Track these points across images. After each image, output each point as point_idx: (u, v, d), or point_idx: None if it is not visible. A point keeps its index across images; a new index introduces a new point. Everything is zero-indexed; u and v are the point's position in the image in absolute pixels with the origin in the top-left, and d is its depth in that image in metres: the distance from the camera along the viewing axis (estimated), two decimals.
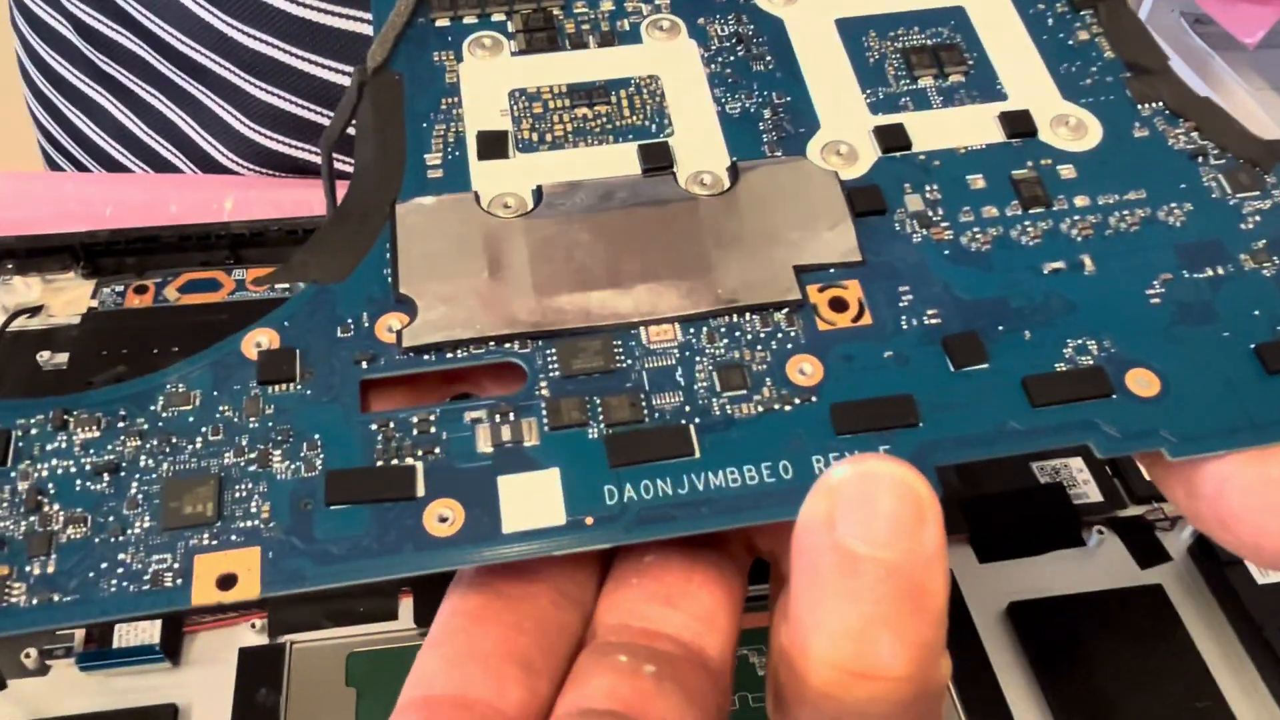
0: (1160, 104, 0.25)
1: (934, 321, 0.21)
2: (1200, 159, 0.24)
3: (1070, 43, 0.26)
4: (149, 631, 0.33)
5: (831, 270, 0.22)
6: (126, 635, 0.33)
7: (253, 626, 0.34)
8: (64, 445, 0.20)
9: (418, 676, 0.18)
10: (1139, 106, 0.25)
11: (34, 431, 0.20)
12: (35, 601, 0.18)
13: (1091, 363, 0.21)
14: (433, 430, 0.20)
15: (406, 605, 0.35)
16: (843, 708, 0.17)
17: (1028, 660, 0.34)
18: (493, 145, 0.24)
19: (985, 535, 0.37)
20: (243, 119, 0.50)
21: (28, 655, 0.33)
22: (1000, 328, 0.21)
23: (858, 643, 0.16)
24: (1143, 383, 0.21)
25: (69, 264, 0.41)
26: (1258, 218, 0.23)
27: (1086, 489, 0.38)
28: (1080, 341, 0.21)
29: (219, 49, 0.48)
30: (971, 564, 0.36)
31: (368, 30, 0.25)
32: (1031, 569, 0.36)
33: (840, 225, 0.23)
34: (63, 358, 0.39)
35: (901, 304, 0.22)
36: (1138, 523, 0.37)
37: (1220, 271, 0.22)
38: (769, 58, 0.26)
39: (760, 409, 0.20)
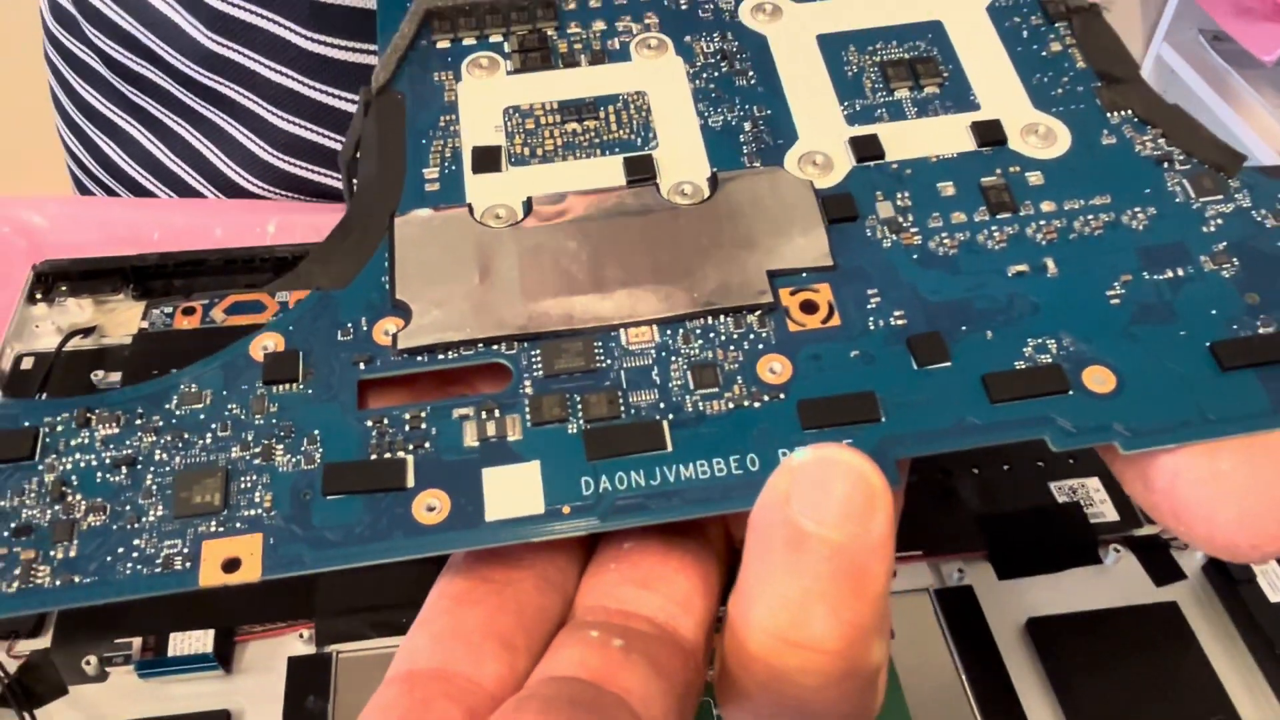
0: (1129, 112, 0.25)
1: (900, 322, 0.22)
2: (1166, 164, 0.24)
3: (1043, 54, 0.27)
4: (203, 641, 0.34)
5: (804, 274, 0.23)
6: (182, 644, 0.34)
7: (301, 636, 0.35)
8: (86, 441, 0.22)
9: (404, 652, 0.19)
10: (1108, 115, 0.25)
11: (59, 428, 0.22)
12: (58, 583, 0.20)
13: (1050, 361, 0.21)
14: (423, 426, 0.21)
15: None
16: (775, 674, 0.18)
17: (1046, 675, 0.34)
18: (486, 159, 0.25)
19: (1005, 553, 0.37)
20: (266, 147, 0.51)
21: (88, 662, 0.34)
22: (964, 328, 0.22)
23: (794, 613, 0.17)
24: (1099, 379, 0.21)
25: (120, 286, 0.42)
26: (1219, 221, 0.23)
27: (1103, 508, 0.38)
28: (1041, 341, 0.22)
29: (242, 82, 0.50)
30: (991, 580, 0.37)
31: None
32: (1050, 586, 0.36)
33: (813, 231, 0.24)
34: (116, 376, 0.39)
35: (870, 306, 0.23)
36: (1153, 541, 0.37)
37: (1181, 273, 0.23)
38: (751, 73, 0.27)
39: (730, 405, 0.21)
